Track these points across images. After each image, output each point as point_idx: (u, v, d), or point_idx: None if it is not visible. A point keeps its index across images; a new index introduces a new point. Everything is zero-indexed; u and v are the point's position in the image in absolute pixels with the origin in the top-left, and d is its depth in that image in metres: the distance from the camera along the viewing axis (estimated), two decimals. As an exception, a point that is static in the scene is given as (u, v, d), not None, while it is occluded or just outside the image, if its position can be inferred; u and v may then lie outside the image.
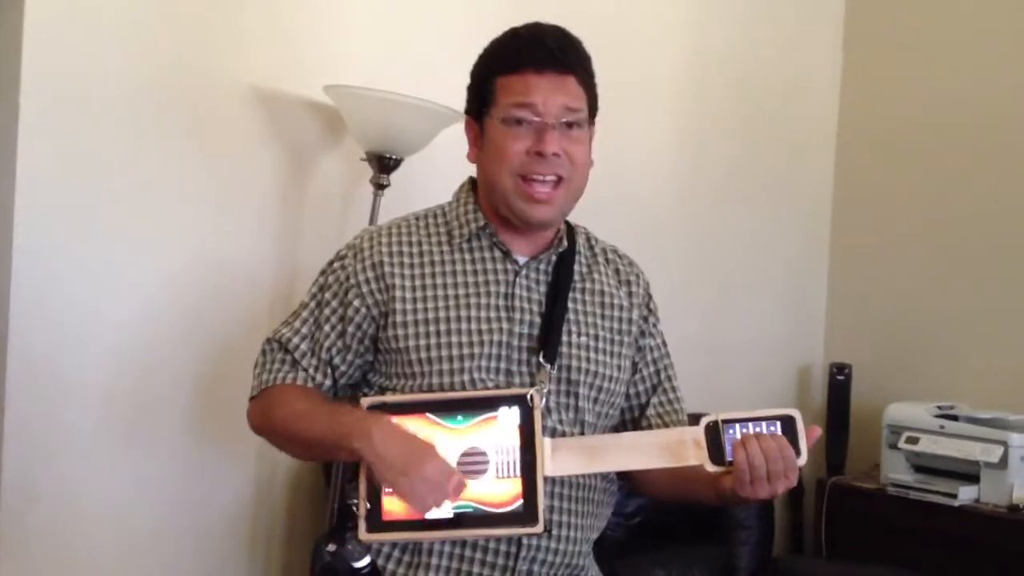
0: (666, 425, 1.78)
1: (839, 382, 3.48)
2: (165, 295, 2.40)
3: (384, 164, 2.45)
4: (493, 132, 1.66)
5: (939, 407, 3.17)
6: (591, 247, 1.82)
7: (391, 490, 1.52)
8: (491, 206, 1.71)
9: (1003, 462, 2.96)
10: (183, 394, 2.44)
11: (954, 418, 3.12)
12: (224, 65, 2.45)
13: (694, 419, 1.61)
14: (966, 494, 3.01)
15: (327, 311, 1.71)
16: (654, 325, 1.83)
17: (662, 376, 1.82)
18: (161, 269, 2.39)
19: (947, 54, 3.52)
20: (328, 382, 1.71)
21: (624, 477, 1.77)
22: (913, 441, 3.12)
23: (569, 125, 1.65)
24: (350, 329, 1.69)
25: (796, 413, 1.54)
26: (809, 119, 3.71)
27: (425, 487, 1.49)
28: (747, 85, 3.49)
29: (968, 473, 3.03)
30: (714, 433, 1.54)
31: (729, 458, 1.52)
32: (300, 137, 2.57)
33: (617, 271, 1.82)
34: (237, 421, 1.78)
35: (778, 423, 1.53)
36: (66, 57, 2.23)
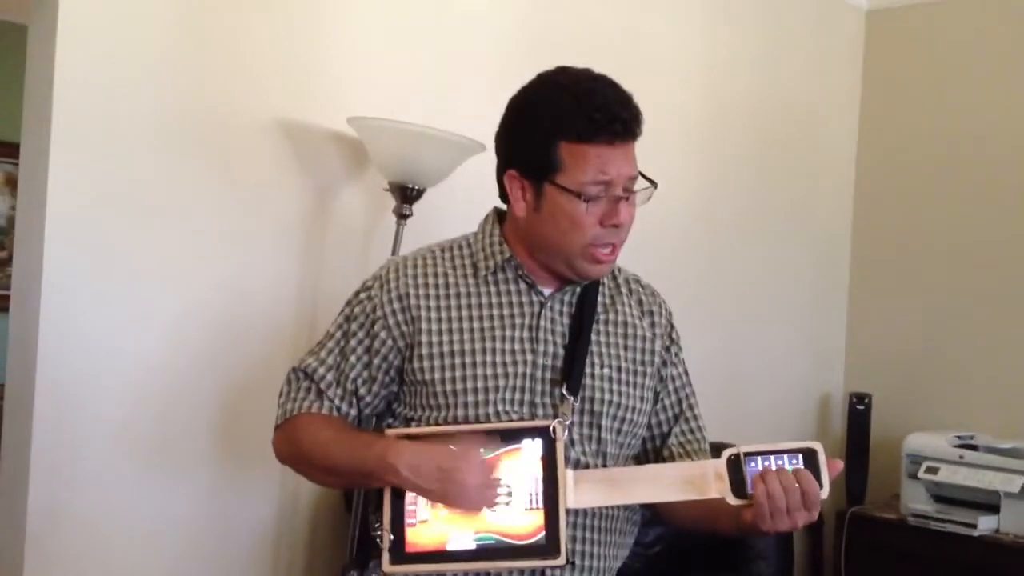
0: (688, 454, 1.78)
1: (859, 411, 3.49)
2: (189, 326, 2.42)
3: (407, 194, 2.47)
4: (561, 201, 1.63)
5: (959, 437, 3.18)
6: (614, 277, 1.82)
7: (425, 518, 1.54)
8: (538, 251, 1.71)
9: (1023, 492, 2.95)
10: (206, 424, 2.45)
11: (974, 448, 3.12)
12: (248, 98, 2.48)
13: (715, 450, 1.62)
14: (986, 524, 3.01)
15: (353, 342, 1.71)
16: (676, 355, 1.83)
17: (684, 405, 1.82)
18: (186, 300, 2.41)
19: (965, 92, 3.54)
20: (353, 412, 1.71)
21: (646, 506, 1.77)
22: (933, 471, 3.12)
23: (629, 190, 1.66)
24: (376, 360, 1.70)
25: (818, 446, 1.54)
26: (827, 149, 3.73)
27: (471, 499, 1.54)
28: (765, 114, 3.51)
29: (988, 503, 3.03)
30: (736, 466, 1.53)
31: (751, 491, 1.52)
32: (323, 168, 2.60)
33: (640, 301, 1.82)
34: (259, 451, 1.79)
35: (800, 456, 1.53)
36: (94, 93, 2.26)
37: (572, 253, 1.65)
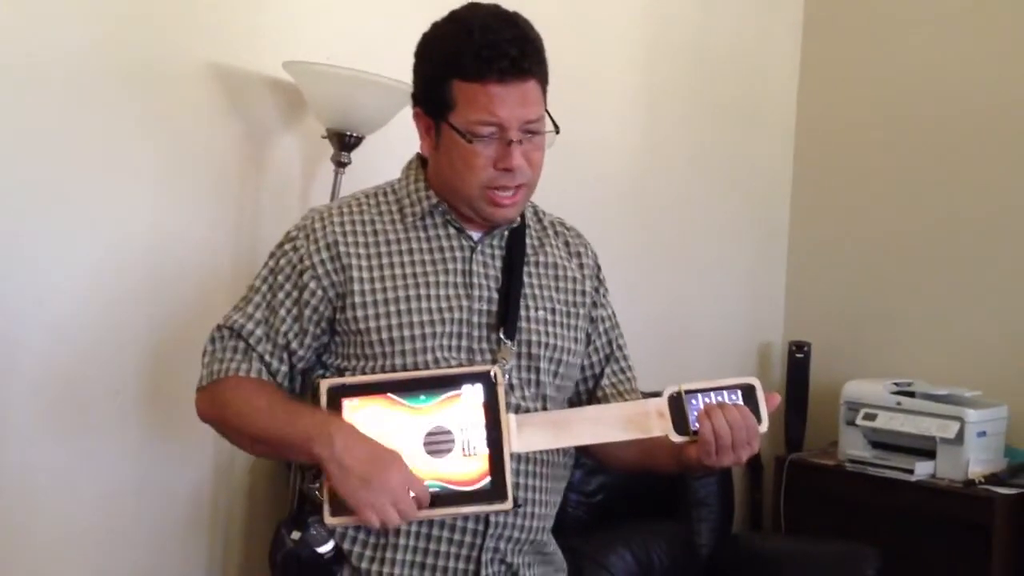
0: (621, 395, 1.79)
1: (798, 360, 3.52)
2: (119, 276, 2.36)
3: (345, 142, 2.43)
4: (454, 141, 1.61)
5: (896, 384, 3.22)
6: (539, 220, 1.81)
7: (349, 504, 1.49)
8: (444, 193, 1.69)
9: (959, 438, 3.00)
10: (139, 378, 2.41)
11: (911, 395, 3.17)
12: (180, 42, 2.41)
13: (654, 395, 1.61)
14: (923, 469, 3.06)
15: (281, 295, 1.67)
16: (604, 296, 1.84)
17: (614, 346, 1.83)
18: (113, 252, 2.35)
19: (904, 42, 3.56)
20: (284, 367, 1.67)
21: (585, 451, 1.78)
22: (871, 418, 3.16)
23: (529, 132, 1.62)
24: (307, 312, 1.66)
25: (756, 381, 1.57)
26: (768, 99, 3.74)
27: (387, 497, 1.46)
28: (707, 64, 3.50)
29: (925, 449, 3.08)
30: (677, 404, 1.55)
31: (694, 427, 1.54)
32: (259, 114, 2.54)
33: (567, 243, 1.82)
34: (193, 407, 1.74)
35: (739, 391, 1.56)
36: (14, 31, 2.18)
37: (471, 195, 1.64)
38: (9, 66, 2.18)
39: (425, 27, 1.72)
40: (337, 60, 2.40)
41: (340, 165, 2.45)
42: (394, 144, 2.44)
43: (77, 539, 2.34)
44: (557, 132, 1.66)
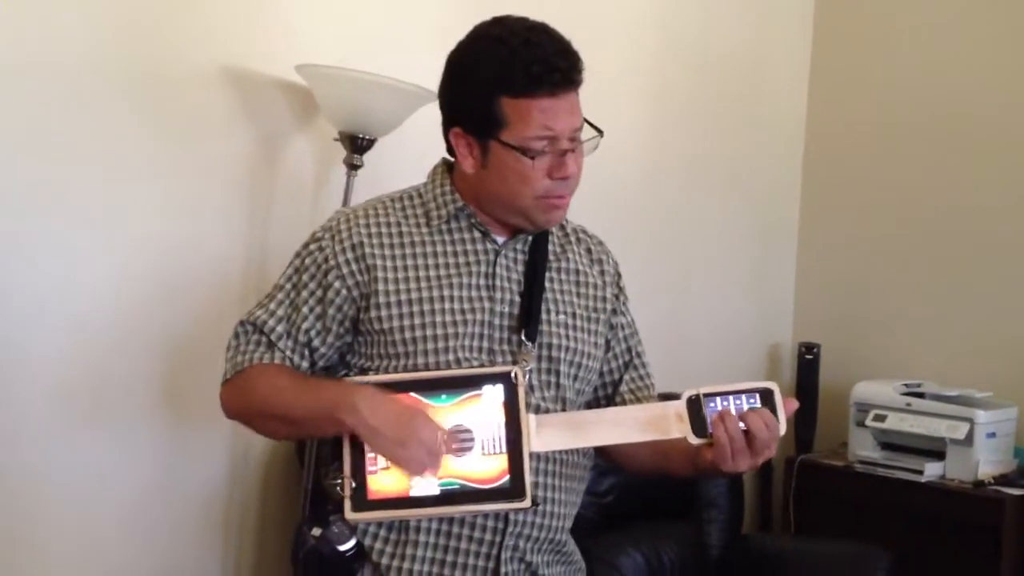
0: (639, 401, 1.81)
1: (808, 361, 3.52)
2: (135, 276, 2.37)
3: (357, 145, 2.44)
4: (507, 158, 1.62)
5: (906, 385, 3.23)
6: (562, 226, 1.82)
7: (387, 464, 1.54)
8: (491, 205, 1.70)
9: (969, 439, 3.01)
10: (152, 381, 2.41)
11: (920, 396, 3.17)
12: (193, 44, 2.42)
13: (667, 398, 1.63)
14: (932, 470, 3.07)
15: (305, 293, 1.69)
16: (624, 303, 1.86)
17: (633, 353, 1.85)
18: (126, 254, 2.35)
19: (914, 45, 3.57)
20: (306, 364, 1.69)
21: (601, 452, 1.79)
22: (880, 419, 3.17)
23: (574, 139, 1.65)
24: (331, 311, 1.68)
25: (774, 386, 1.57)
26: (777, 100, 3.74)
27: (423, 450, 1.53)
28: (714, 65, 3.51)
29: (934, 450, 3.09)
30: (696, 406, 1.56)
31: (711, 430, 1.55)
32: (271, 117, 2.55)
33: (589, 250, 1.84)
34: (207, 407, 1.76)
35: (757, 395, 1.56)
36: (25, 36, 2.19)
37: (525, 206, 1.66)
38: (16, 68, 2.18)
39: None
40: (349, 63, 2.40)
41: (352, 168, 2.45)
42: (407, 146, 2.47)
43: (91, 539, 2.34)
44: (601, 135, 1.68)
